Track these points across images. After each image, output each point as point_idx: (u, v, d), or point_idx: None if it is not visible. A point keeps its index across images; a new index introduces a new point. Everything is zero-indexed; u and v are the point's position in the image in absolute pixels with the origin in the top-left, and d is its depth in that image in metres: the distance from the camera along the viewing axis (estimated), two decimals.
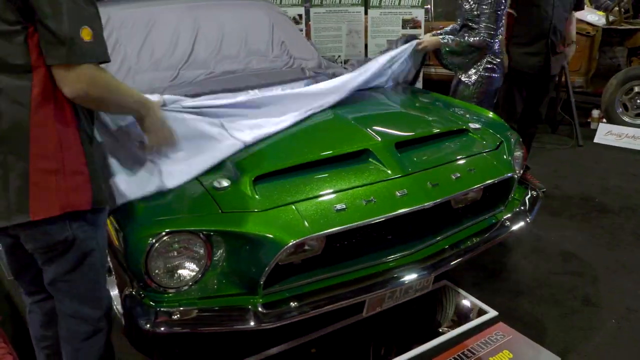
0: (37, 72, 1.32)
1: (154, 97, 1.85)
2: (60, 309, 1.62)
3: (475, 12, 3.02)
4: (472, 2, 3.04)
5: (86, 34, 1.31)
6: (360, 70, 2.76)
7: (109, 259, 2.15)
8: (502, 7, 3.01)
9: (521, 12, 3.58)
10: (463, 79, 3.14)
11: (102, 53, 1.38)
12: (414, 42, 3.09)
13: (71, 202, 1.40)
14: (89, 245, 1.50)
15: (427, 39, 3.14)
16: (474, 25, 3.03)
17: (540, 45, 3.58)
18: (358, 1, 5.72)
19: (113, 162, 1.75)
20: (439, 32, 3.37)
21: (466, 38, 3.03)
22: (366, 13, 5.76)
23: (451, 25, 3.38)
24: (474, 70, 3.11)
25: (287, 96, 2.38)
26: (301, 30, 5.13)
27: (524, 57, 3.61)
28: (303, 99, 2.40)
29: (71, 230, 1.44)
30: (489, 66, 3.09)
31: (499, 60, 3.13)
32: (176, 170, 1.80)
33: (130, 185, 1.72)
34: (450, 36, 3.12)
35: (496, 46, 3.11)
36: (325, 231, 1.71)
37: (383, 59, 2.91)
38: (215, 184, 1.77)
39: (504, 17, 3.11)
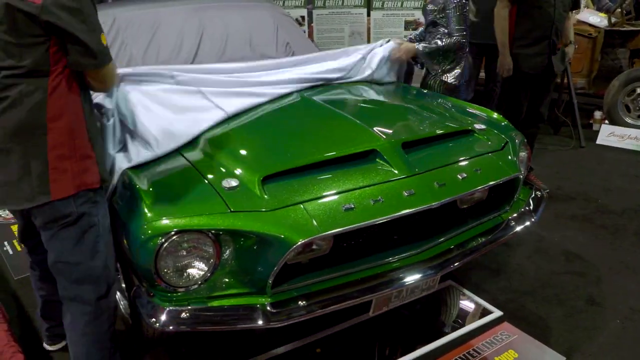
0: (52, 75, 1.54)
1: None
2: (63, 295, 1.78)
3: (440, 15, 3.17)
4: (437, 8, 3.18)
5: (103, 39, 1.59)
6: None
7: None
8: (467, 7, 3.17)
9: (523, 13, 3.60)
10: (451, 81, 3.23)
11: (110, 52, 1.66)
12: (390, 44, 3.19)
13: (84, 181, 1.64)
14: (90, 221, 1.70)
15: (403, 47, 3.20)
16: (444, 30, 3.15)
17: (543, 46, 3.61)
18: (360, 3, 5.74)
19: (109, 141, 2.02)
20: (410, 37, 3.55)
21: (439, 43, 3.14)
22: (369, 15, 5.79)
23: (419, 29, 3.53)
24: (456, 74, 3.24)
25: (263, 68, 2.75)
26: (304, 32, 5.14)
27: (527, 59, 3.63)
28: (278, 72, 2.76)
29: (75, 206, 1.64)
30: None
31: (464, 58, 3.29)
32: (163, 140, 2.03)
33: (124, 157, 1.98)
34: (424, 44, 3.19)
35: (466, 47, 3.25)
36: (334, 230, 1.72)
37: (351, 49, 3.17)
38: (224, 183, 1.78)
39: (468, 17, 3.26)
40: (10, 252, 3.21)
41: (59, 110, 1.56)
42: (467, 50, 3.28)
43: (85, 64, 1.57)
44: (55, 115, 1.56)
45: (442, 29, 3.18)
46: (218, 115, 2.30)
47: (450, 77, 3.24)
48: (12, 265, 3.03)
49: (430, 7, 3.24)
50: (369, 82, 3.13)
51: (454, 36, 3.12)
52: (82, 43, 1.51)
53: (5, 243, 3.30)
